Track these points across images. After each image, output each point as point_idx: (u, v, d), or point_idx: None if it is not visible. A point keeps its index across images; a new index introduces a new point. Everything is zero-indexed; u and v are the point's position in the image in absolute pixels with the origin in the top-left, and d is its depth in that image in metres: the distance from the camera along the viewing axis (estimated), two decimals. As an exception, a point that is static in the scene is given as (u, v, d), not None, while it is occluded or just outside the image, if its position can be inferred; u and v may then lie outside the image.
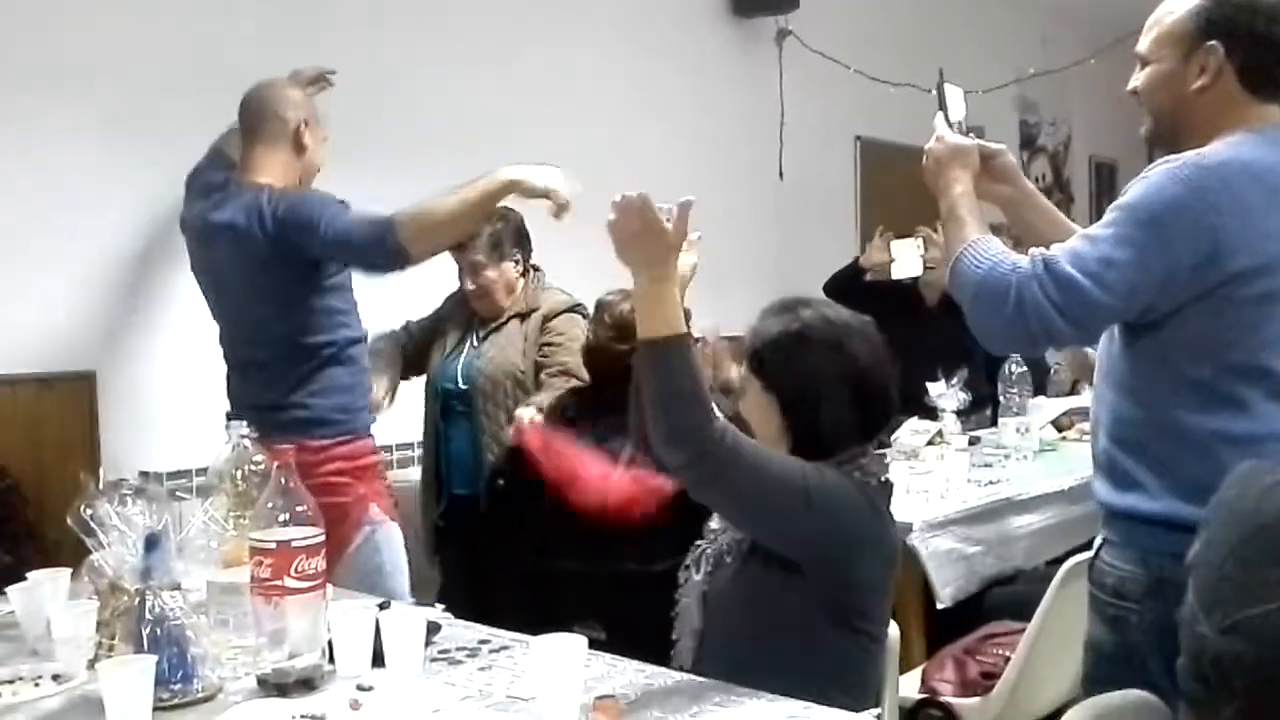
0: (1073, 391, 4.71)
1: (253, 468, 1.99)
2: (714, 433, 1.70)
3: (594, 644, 1.61)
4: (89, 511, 1.69)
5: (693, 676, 1.73)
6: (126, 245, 3.24)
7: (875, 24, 5.89)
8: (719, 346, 2.64)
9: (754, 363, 1.92)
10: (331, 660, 1.72)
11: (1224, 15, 1.77)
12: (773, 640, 1.78)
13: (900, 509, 2.12)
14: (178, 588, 1.66)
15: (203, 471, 2.54)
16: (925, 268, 4.34)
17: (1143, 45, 1.87)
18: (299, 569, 1.65)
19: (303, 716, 1.55)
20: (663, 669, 1.75)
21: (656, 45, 4.88)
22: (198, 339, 2.99)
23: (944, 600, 2.91)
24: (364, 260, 2.69)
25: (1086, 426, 2.26)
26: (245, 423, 2.06)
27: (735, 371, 2.70)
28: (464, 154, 4.00)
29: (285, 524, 1.69)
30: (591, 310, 2.92)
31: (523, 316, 3.24)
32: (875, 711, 1.62)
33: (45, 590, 1.93)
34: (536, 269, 3.34)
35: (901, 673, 2.55)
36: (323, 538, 1.70)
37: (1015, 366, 3.94)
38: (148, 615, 1.63)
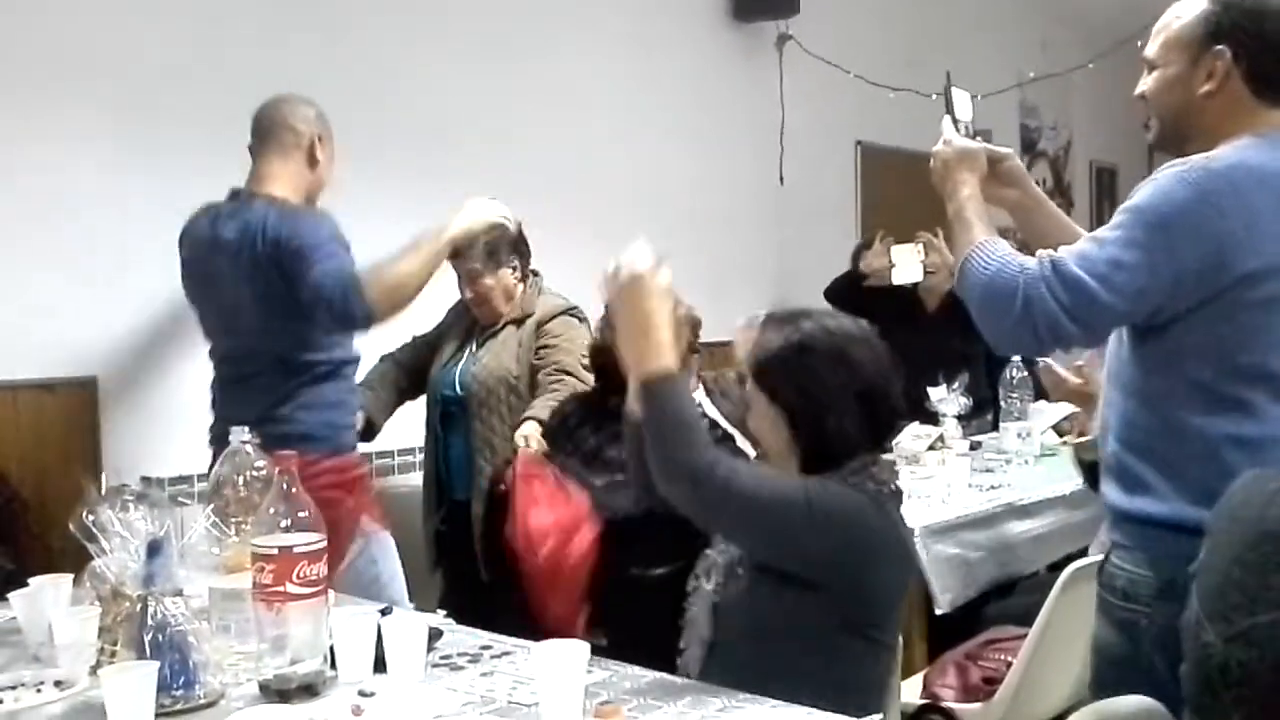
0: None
1: (254, 474, 1.99)
2: (711, 461, 1.73)
3: (596, 649, 1.61)
4: (91, 517, 1.69)
5: (692, 681, 1.73)
6: (128, 250, 3.25)
7: (875, 29, 5.90)
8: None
9: (758, 377, 1.92)
10: (333, 666, 1.72)
11: (1232, 20, 1.78)
12: (786, 652, 1.76)
13: (901, 514, 2.12)
14: (180, 594, 1.66)
15: (204, 477, 2.55)
16: (925, 273, 4.34)
17: (1150, 50, 1.88)
18: (301, 575, 1.65)
19: (305, 722, 1.55)
20: (664, 674, 1.75)
21: (657, 49, 4.89)
22: (200, 345, 2.99)
23: (943, 606, 2.91)
24: (327, 315, 2.68)
25: (1094, 428, 2.25)
26: (246, 428, 2.07)
27: None
28: (465, 155, 4.03)
29: (287, 530, 1.69)
30: (601, 312, 2.91)
31: (518, 322, 3.25)
32: (877, 717, 1.62)
33: (47, 596, 1.93)
34: (535, 274, 3.34)
35: (903, 678, 2.56)
36: (324, 543, 1.70)
37: (1016, 371, 3.94)
38: (150, 621, 1.63)
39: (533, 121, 4.31)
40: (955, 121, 2.02)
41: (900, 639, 2.05)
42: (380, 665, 1.73)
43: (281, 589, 1.65)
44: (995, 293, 1.76)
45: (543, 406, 2.97)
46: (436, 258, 2.80)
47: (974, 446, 3.91)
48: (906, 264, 4.35)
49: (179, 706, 1.61)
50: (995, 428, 4.11)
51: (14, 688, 1.70)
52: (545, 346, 3.17)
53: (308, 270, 2.66)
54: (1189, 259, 1.69)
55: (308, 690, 1.66)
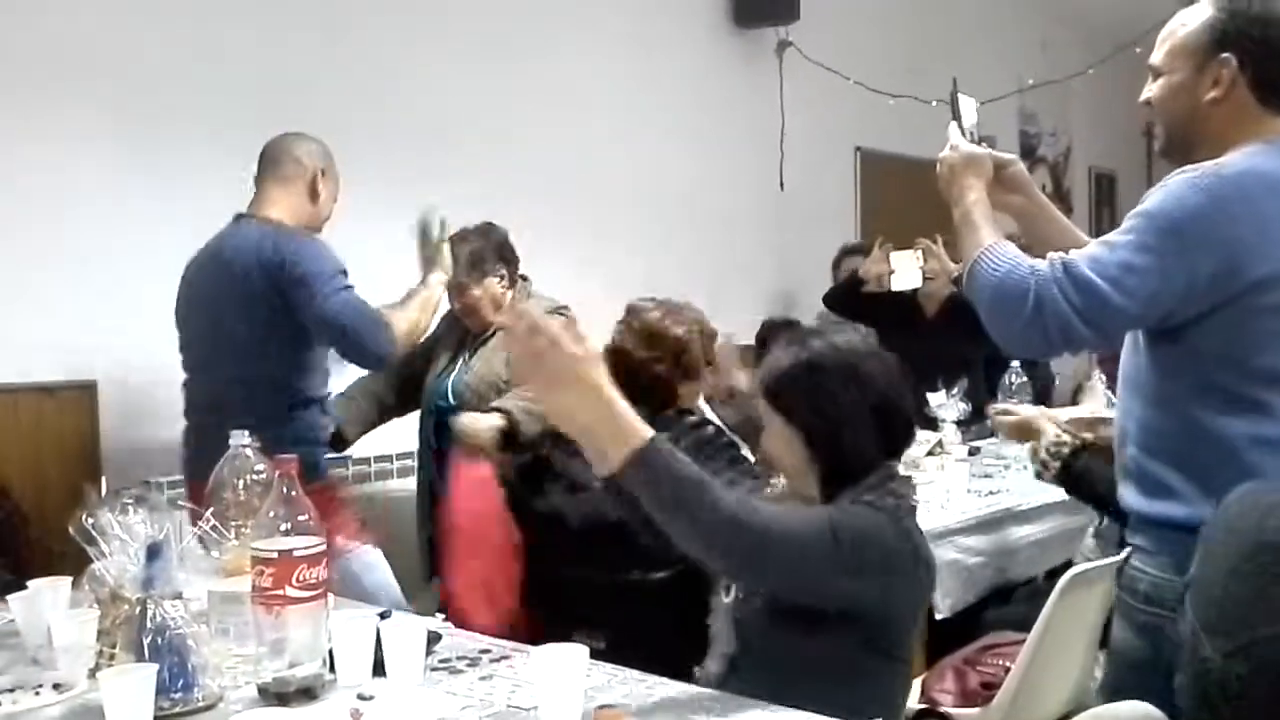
0: (1073, 402, 4.71)
1: (254, 477, 1.99)
2: (730, 519, 1.59)
3: (595, 653, 1.61)
4: (90, 521, 1.68)
5: (689, 686, 1.73)
6: (128, 253, 3.25)
7: (875, 36, 5.91)
8: (726, 352, 2.64)
9: (770, 398, 1.91)
10: (332, 669, 1.71)
11: (1237, 28, 1.78)
12: (806, 668, 1.75)
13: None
14: (179, 597, 1.66)
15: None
16: (924, 279, 4.35)
17: (1156, 57, 1.88)
18: (300, 578, 1.65)
19: (303, 726, 1.54)
20: (663, 679, 1.74)
21: (657, 51, 4.90)
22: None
23: (942, 611, 2.91)
24: (355, 347, 2.80)
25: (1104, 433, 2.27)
26: (246, 432, 2.06)
27: (741, 378, 2.71)
28: (465, 155, 4.03)
29: (287, 533, 1.68)
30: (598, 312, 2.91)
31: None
32: (877, 720, 1.62)
33: (46, 599, 1.92)
34: (525, 279, 3.33)
35: (902, 683, 2.55)
36: (324, 547, 1.70)
37: (1015, 377, 3.94)
38: (149, 624, 1.62)
39: (533, 121, 4.31)
40: (961, 127, 2.02)
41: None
42: (379, 669, 1.72)
43: (281, 592, 1.64)
44: (1006, 294, 1.76)
45: (513, 399, 2.99)
46: (431, 308, 3.05)
47: (973, 452, 3.92)
48: (905, 270, 4.36)
49: (178, 709, 1.61)
50: (994, 433, 4.11)
51: (12, 690, 1.70)
52: None
53: (317, 298, 2.73)
54: (1201, 265, 1.69)
55: (306, 694, 1.65)
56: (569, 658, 1.53)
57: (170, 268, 3.02)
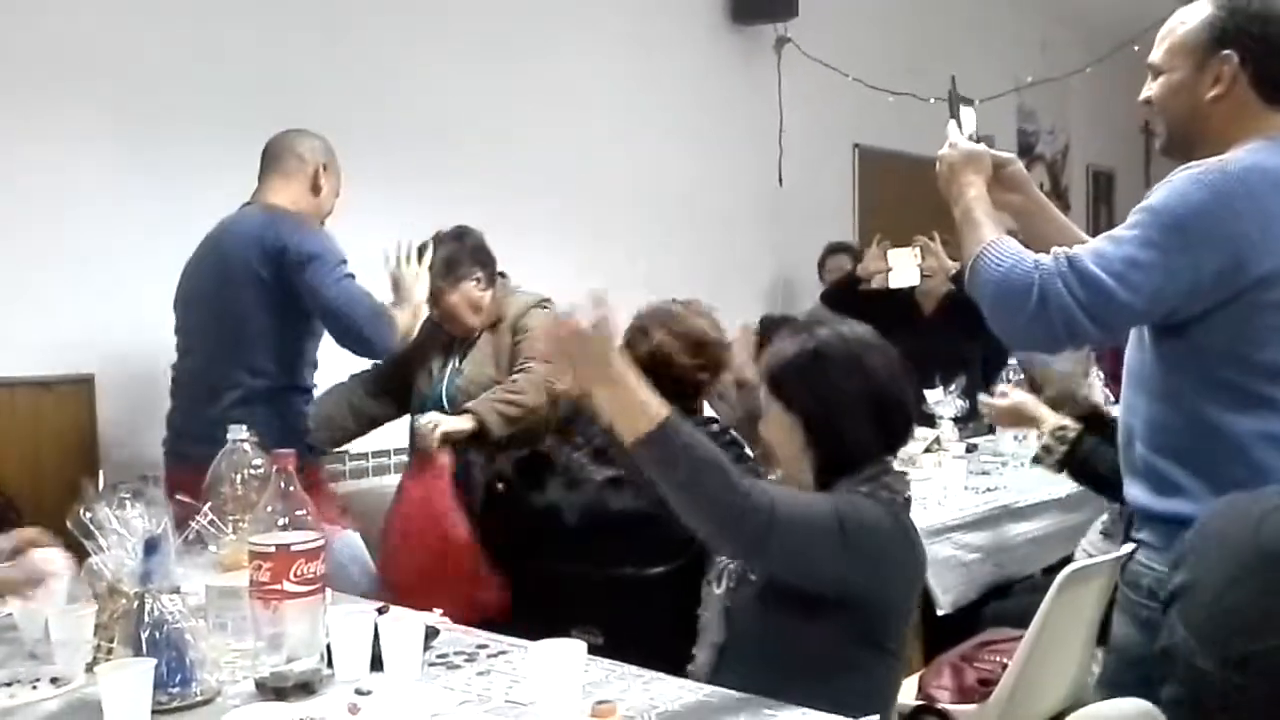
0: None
1: (252, 472, 1.99)
2: (744, 499, 1.63)
3: (592, 649, 1.61)
4: (88, 515, 1.68)
5: (687, 682, 1.73)
6: (127, 249, 3.25)
7: (874, 33, 5.91)
8: (744, 340, 2.62)
9: (773, 384, 1.91)
10: (330, 664, 1.72)
11: (1237, 25, 1.78)
12: (798, 659, 1.76)
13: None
14: (176, 591, 1.66)
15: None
16: (922, 276, 4.36)
17: (1156, 55, 1.88)
18: (298, 573, 1.65)
19: (301, 720, 1.55)
20: (660, 674, 1.75)
21: (657, 50, 4.90)
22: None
23: (944, 607, 2.92)
24: (356, 335, 2.86)
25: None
26: (244, 427, 2.07)
27: (751, 369, 2.69)
28: (465, 155, 4.04)
29: (284, 528, 1.69)
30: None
31: (493, 327, 3.23)
32: (873, 718, 1.62)
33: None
34: (503, 275, 3.31)
35: (899, 679, 2.55)
36: (322, 542, 1.71)
37: (1013, 374, 3.95)
38: (146, 619, 1.62)
39: (533, 121, 4.32)
40: (960, 125, 2.02)
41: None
42: (377, 664, 1.73)
43: (278, 587, 1.65)
44: (1010, 289, 1.76)
45: (486, 400, 3.00)
46: (418, 316, 3.11)
47: (970, 449, 3.92)
48: (903, 267, 4.37)
49: (175, 704, 1.61)
50: (991, 430, 4.12)
51: (10, 684, 1.71)
52: (518, 342, 3.18)
53: (321, 284, 2.79)
54: (1205, 261, 1.69)
55: (304, 688, 1.66)
56: (567, 653, 1.54)
57: (170, 267, 3.03)
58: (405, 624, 1.75)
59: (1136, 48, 1.95)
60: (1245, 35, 1.78)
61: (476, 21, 4.18)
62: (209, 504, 1.99)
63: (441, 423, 2.96)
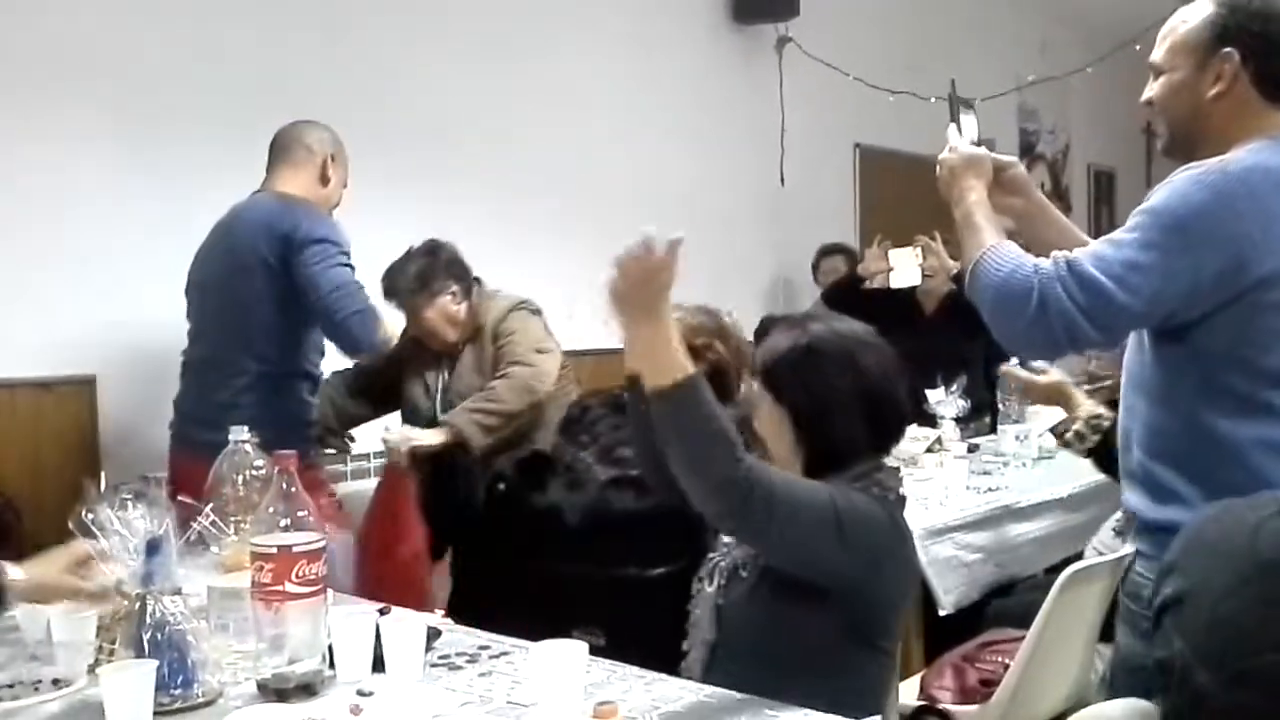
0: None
1: (253, 473, 1.99)
2: (746, 473, 1.65)
3: (594, 649, 1.61)
4: (89, 516, 1.68)
5: (688, 683, 1.73)
6: (127, 250, 3.25)
7: (875, 32, 5.91)
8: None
9: (765, 378, 1.91)
10: (332, 665, 1.72)
11: (1238, 23, 1.77)
12: (790, 657, 1.76)
13: (900, 516, 2.12)
14: (178, 592, 1.66)
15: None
16: (923, 276, 4.35)
17: (1157, 55, 1.87)
18: (300, 574, 1.65)
19: (303, 721, 1.55)
20: (661, 675, 1.75)
21: (657, 50, 4.90)
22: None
23: (946, 607, 2.91)
24: (340, 323, 2.86)
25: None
26: (246, 428, 2.07)
27: None
28: (465, 155, 4.03)
29: (286, 529, 1.69)
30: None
31: (474, 337, 3.23)
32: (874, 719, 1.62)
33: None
34: (479, 281, 3.29)
35: (900, 680, 2.55)
36: (324, 543, 1.71)
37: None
38: (148, 620, 1.62)
39: (533, 121, 4.31)
40: (960, 129, 2.01)
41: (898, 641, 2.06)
42: (379, 665, 1.73)
43: (280, 588, 1.65)
44: (1009, 293, 1.75)
45: (464, 411, 3.00)
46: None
47: (972, 449, 3.92)
48: (905, 267, 4.36)
49: (177, 705, 1.61)
50: (993, 430, 4.12)
51: (12, 686, 1.70)
52: (501, 346, 3.17)
53: (321, 270, 2.79)
54: (1207, 262, 1.68)
55: (306, 689, 1.66)
56: (568, 654, 1.54)
57: (170, 267, 3.03)
58: (407, 625, 1.75)
59: (1138, 47, 1.95)
60: (1246, 33, 1.77)
61: (476, 21, 4.18)
62: (211, 505, 1.98)
63: (413, 438, 2.98)
